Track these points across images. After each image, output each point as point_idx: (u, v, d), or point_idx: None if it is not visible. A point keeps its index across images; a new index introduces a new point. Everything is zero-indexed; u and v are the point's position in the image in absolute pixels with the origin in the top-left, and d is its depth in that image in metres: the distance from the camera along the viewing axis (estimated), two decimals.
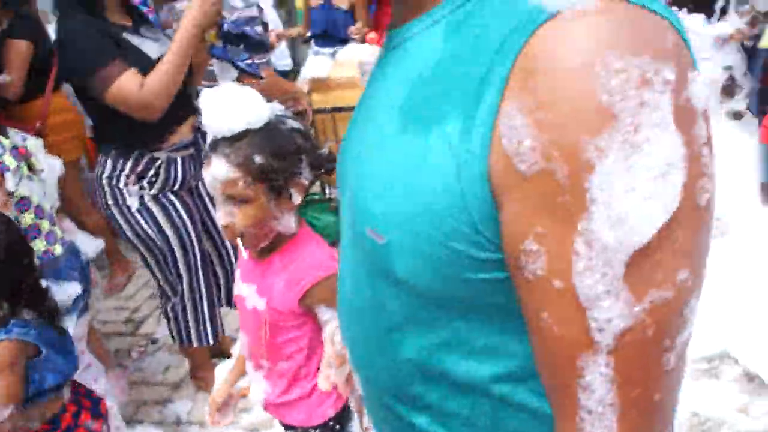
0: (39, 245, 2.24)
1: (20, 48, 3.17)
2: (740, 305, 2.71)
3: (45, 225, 2.43)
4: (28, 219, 2.40)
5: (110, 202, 2.21)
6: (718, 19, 4.58)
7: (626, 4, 0.49)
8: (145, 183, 2.19)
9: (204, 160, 1.32)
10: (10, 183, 2.31)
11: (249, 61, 2.34)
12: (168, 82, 2.01)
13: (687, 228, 0.49)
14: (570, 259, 0.49)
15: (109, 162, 2.18)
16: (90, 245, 2.58)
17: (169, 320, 2.44)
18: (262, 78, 2.45)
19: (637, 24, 0.49)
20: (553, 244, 0.50)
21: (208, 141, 1.32)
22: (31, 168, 2.44)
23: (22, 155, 2.40)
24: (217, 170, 1.27)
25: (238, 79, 2.51)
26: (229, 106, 1.27)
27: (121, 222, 2.22)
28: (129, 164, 2.17)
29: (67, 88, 4.09)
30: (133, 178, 2.18)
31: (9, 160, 2.34)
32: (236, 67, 2.32)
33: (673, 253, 0.49)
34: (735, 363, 2.51)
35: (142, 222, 2.21)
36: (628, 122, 0.46)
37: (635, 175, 0.47)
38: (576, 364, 0.52)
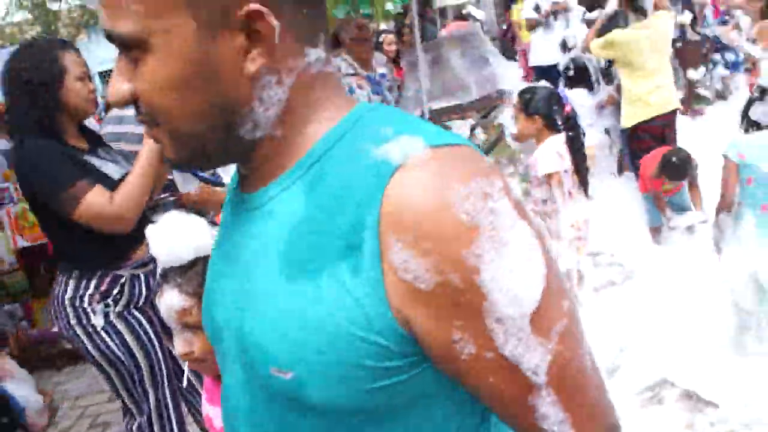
0: None
1: None
2: (665, 336, 3.00)
3: None
4: None
5: (73, 322, 2.16)
6: (597, 90, 5.16)
7: (445, 148, 0.64)
8: (110, 301, 2.18)
9: (156, 289, 1.33)
10: None
11: (211, 171, 2.42)
12: (137, 194, 2.05)
13: (553, 275, 0.64)
14: (489, 336, 0.61)
15: (72, 282, 2.16)
16: (26, 392, 2.42)
17: None
18: (224, 186, 2.51)
19: (460, 158, 0.64)
20: (472, 330, 0.61)
21: (158, 270, 1.33)
22: None
23: None
24: (171, 300, 1.28)
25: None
26: (177, 236, 1.29)
27: (86, 342, 2.17)
28: (93, 283, 2.15)
29: None
30: (97, 296, 2.16)
31: None
32: (198, 177, 2.38)
33: (555, 295, 0.64)
34: (673, 386, 2.76)
35: (108, 340, 2.17)
36: (489, 228, 0.60)
37: (511, 261, 0.61)
38: (528, 404, 0.65)
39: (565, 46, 6.27)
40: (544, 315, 0.62)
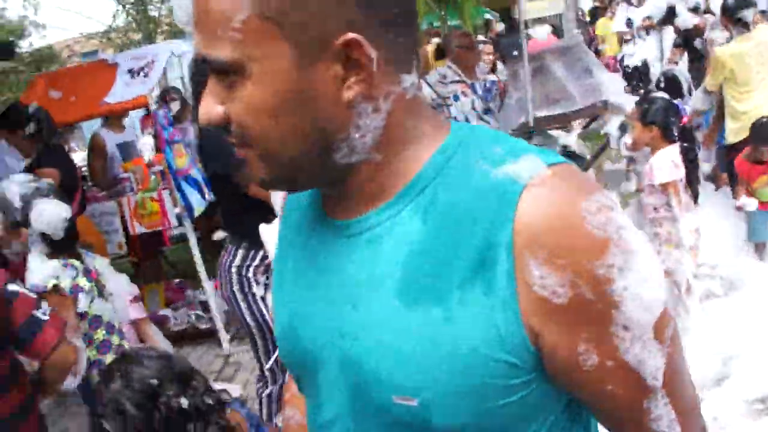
0: (109, 360, 2.36)
1: (49, 176, 3.39)
2: None
3: (115, 339, 2.54)
4: (99, 335, 2.52)
5: (236, 288, 2.39)
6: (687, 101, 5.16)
7: (558, 166, 0.66)
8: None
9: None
10: (82, 303, 2.44)
11: None
12: None
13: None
14: (614, 344, 0.63)
15: (240, 252, 2.39)
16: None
17: (261, 403, 2.53)
18: None
19: (575, 175, 0.66)
20: (597, 341, 0.63)
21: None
22: (99, 287, 2.57)
23: (94, 279, 2.54)
24: None
25: None
26: None
27: (243, 307, 2.39)
28: (259, 255, 2.37)
29: (90, 211, 4.30)
30: (262, 268, 2.38)
31: (83, 282, 2.48)
32: None
33: (666, 299, 0.66)
34: None
35: (263, 309, 2.39)
36: (617, 238, 0.62)
37: (640, 269, 0.63)
38: (643, 408, 0.67)
39: (622, 62, 6.29)
40: (662, 320, 0.64)
